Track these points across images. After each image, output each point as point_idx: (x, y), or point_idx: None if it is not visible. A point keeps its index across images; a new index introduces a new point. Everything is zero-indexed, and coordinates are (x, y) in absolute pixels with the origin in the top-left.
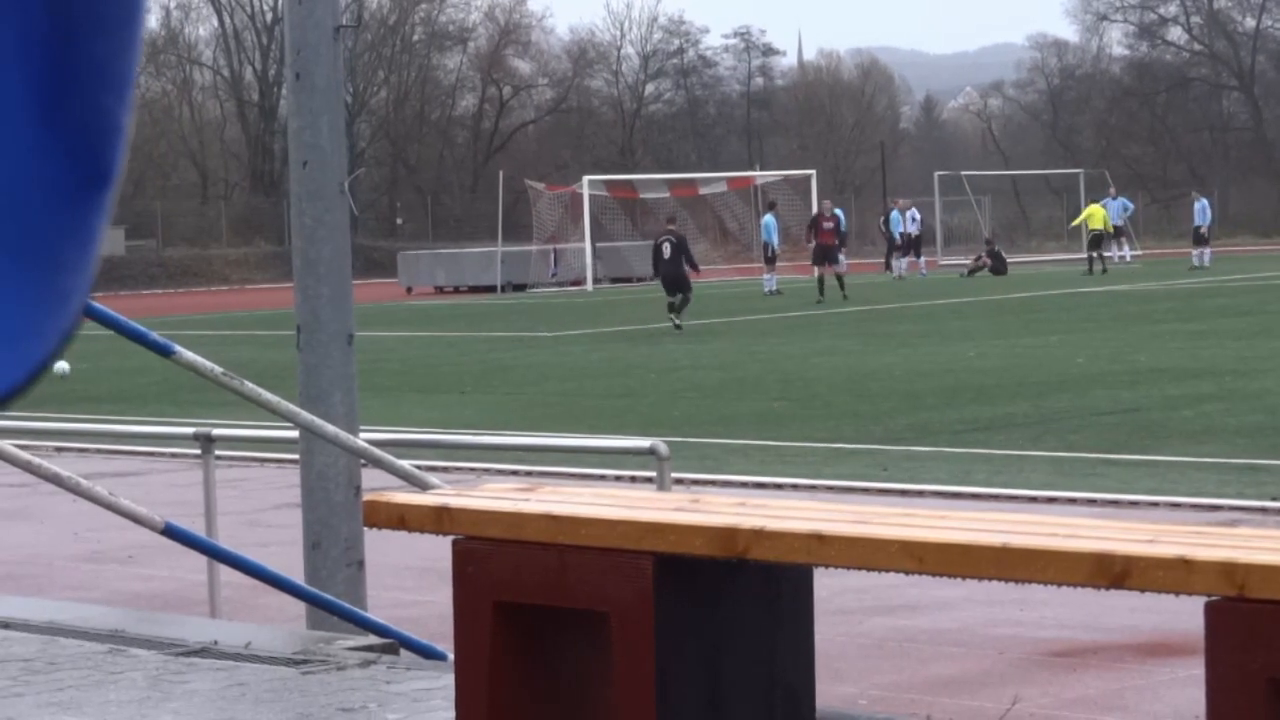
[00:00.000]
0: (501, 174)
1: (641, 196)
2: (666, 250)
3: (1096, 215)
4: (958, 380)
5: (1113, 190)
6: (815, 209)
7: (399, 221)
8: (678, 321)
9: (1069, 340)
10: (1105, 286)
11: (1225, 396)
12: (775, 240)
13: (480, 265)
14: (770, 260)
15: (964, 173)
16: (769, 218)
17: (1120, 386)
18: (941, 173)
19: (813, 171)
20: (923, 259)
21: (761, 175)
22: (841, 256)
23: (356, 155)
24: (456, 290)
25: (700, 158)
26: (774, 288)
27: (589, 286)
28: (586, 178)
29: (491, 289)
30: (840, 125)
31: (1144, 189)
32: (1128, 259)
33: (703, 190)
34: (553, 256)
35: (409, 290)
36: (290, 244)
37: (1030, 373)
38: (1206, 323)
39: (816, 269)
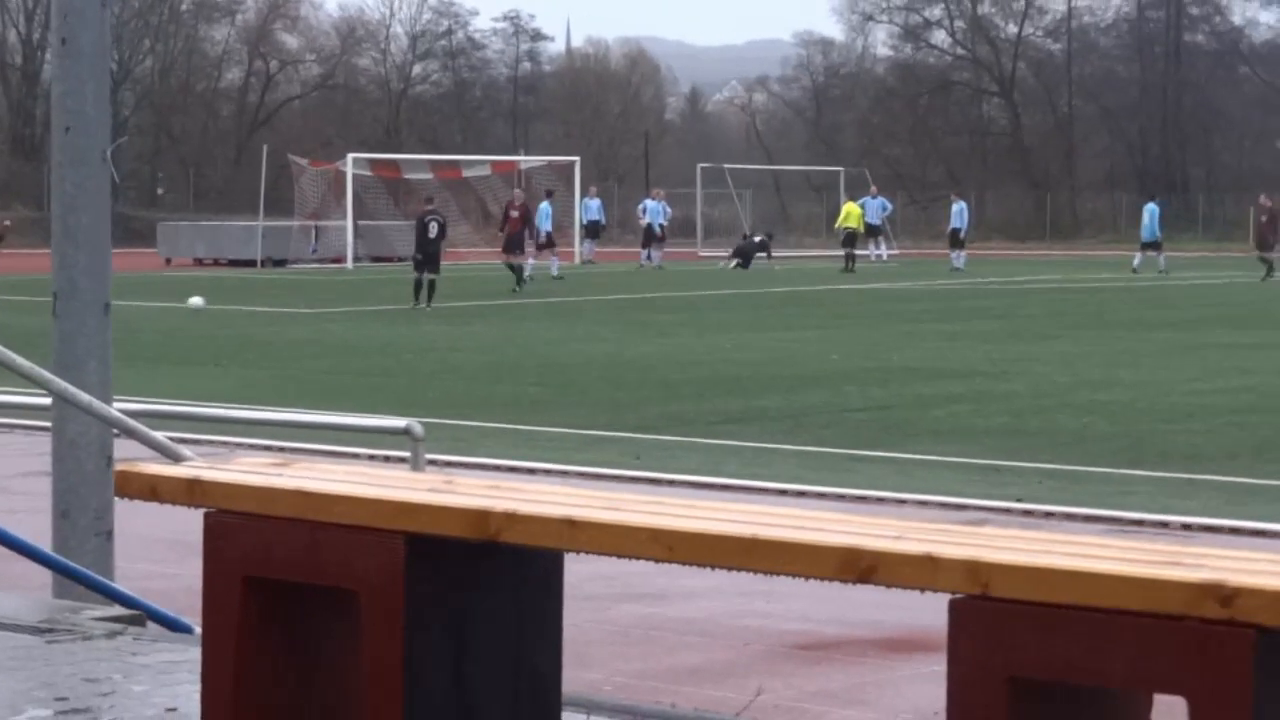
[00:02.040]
0: (266, 148)
1: (405, 176)
2: (434, 229)
3: (853, 214)
4: (713, 372)
5: (873, 189)
6: (578, 195)
7: (160, 192)
8: (426, 305)
9: (824, 336)
10: (862, 285)
11: (974, 398)
12: (549, 226)
13: (241, 239)
14: (548, 245)
15: (727, 166)
16: (545, 205)
17: (873, 384)
18: (704, 165)
19: (577, 158)
20: (645, 252)
21: (525, 160)
22: (582, 245)
23: (120, 124)
24: (216, 263)
25: (465, 140)
26: (556, 272)
27: (349, 264)
28: (350, 155)
29: (251, 263)
30: (606, 113)
31: (903, 189)
32: (884, 258)
33: (466, 173)
34: (314, 233)
35: (168, 261)
36: (50, 210)
37: (785, 367)
38: (960, 324)
39: (505, 257)
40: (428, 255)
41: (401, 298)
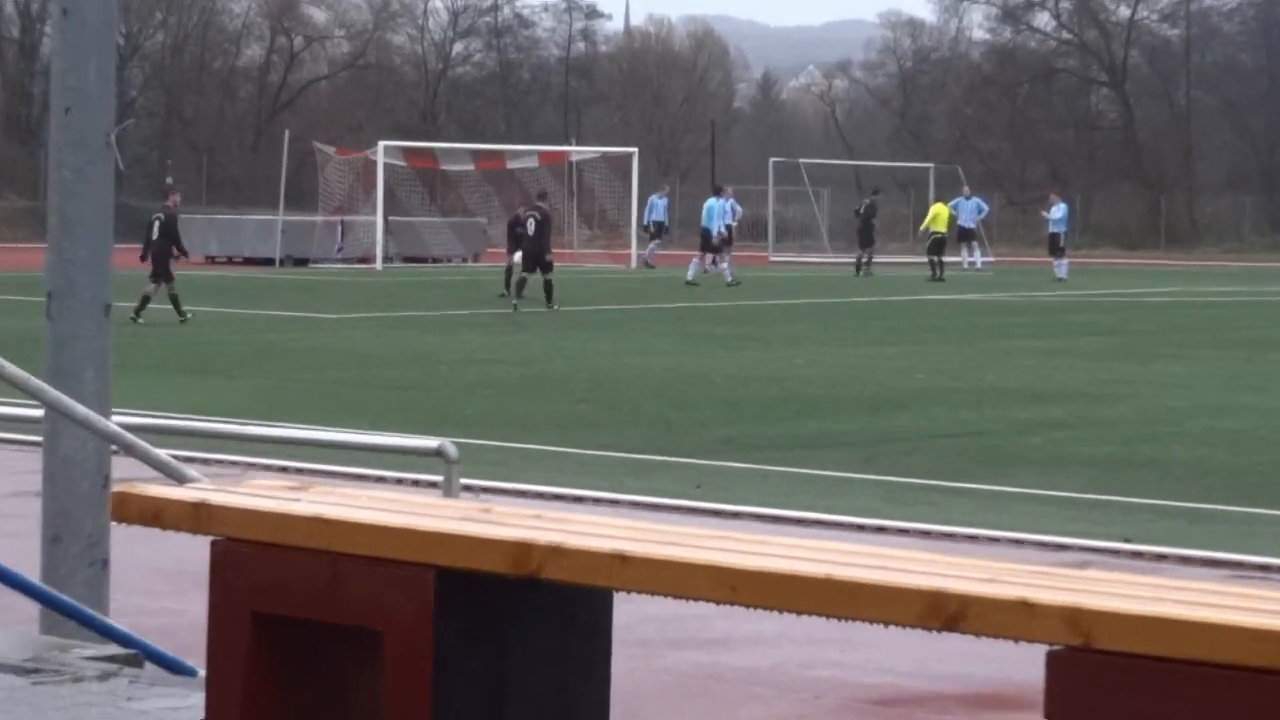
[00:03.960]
0: (288, 134)
1: (443, 168)
2: (530, 226)
3: (941, 216)
4: (783, 391)
5: (967, 189)
6: (635, 191)
7: (169, 181)
8: (548, 306)
9: (909, 353)
10: (953, 295)
11: (1077, 424)
12: (720, 225)
13: (259, 235)
14: (715, 248)
15: (802, 160)
16: (717, 202)
17: (963, 407)
18: (777, 159)
19: (634, 150)
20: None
21: (577, 151)
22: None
23: (126, 104)
24: (231, 261)
25: (510, 127)
26: (730, 278)
27: (378, 265)
28: (382, 143)
29: (270, 262)
30: (668, 100)
31: (1000, 189)
32: (979, 265)
33: (511, 164)
34: (340, 229)
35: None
36: (46, 199)
37: (864, 387)
38: (1061, 340)
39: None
40: (528, 255)
41: (436, 303)
